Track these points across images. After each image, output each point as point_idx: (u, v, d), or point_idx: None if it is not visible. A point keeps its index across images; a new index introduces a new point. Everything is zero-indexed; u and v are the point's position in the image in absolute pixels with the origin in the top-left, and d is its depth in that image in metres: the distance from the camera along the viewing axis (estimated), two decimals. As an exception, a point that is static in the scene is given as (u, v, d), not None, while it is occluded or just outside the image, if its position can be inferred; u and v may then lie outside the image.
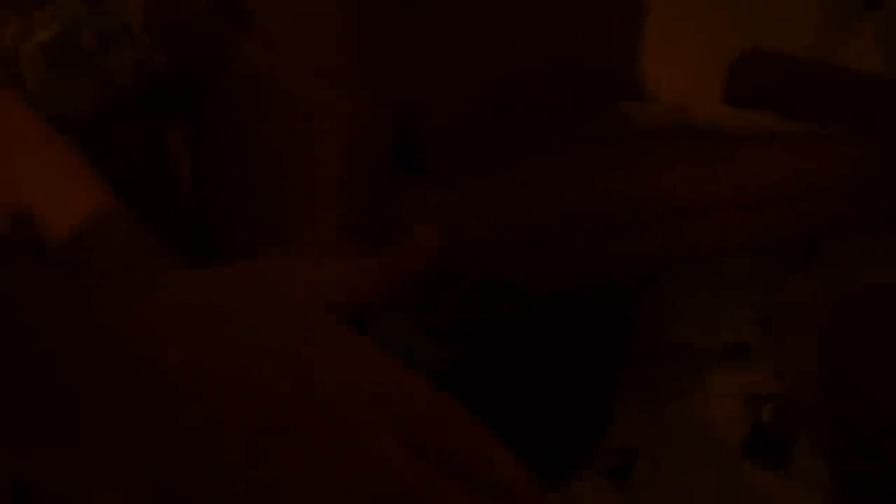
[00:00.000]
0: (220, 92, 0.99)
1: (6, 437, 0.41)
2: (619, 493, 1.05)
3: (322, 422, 0.42)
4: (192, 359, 0.42)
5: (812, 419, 1.02)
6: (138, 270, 0.58)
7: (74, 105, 0.88)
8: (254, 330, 0.44)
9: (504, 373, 1.22)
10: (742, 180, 1.80)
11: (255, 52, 1.02)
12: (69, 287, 0.44)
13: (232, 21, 0.96)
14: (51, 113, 0.78)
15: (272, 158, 0.96)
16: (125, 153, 0.94)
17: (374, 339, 0.48)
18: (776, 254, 2.17)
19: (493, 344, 1.28)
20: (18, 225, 0.65)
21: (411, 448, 0.42)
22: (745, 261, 1.91)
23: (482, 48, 1.84)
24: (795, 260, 2.37)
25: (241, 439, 0.40)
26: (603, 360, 1.26)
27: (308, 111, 1.03)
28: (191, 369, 0.41)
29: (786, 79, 2.63)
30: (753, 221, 1.90)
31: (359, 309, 0.53)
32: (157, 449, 0.40)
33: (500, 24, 1.93)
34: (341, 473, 0.40)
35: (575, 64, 2.04)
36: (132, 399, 0.41)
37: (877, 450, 0.87)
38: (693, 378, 1.17)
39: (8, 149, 0.71)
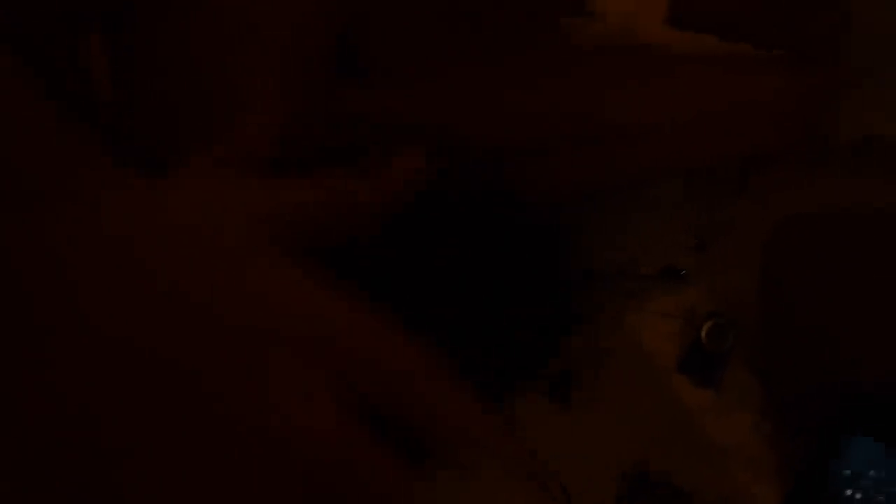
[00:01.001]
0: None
1: None
2: (561, 414, 1.06)
3: (241, 381, 0.38)
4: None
5: (747, 338, 1.05)
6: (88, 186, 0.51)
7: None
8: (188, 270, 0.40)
9: (443, 283, 1.20)
10: (682, 100, 1.80)
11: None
12: None
13: None
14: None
15: (206, 54, 0.88)
16: (38, 60, 0.85)
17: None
18: (710, 179, 2.20)
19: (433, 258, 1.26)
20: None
21: (345, 404, 0.39)
22: (679, 185, 1.93)
23: None
24: (729, 186, 2.42)
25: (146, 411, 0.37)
26: (544, 281, 1.26)
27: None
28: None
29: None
30: (691, 143, 1.91)
31: (317, 239, 0.47)
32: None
33: None
34: (258, 449, 0.36)
35: None
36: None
37: (808, 370, 0.90)
38: (630, 300, 1.19)
39: None
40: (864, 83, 2.86)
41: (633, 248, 1.34)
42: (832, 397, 0.88)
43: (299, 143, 0.80)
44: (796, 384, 0.94)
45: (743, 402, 1.05)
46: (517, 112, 1.44)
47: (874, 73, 2.80)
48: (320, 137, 1.05)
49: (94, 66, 0.85)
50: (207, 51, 0.89)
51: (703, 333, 1.04)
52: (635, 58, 2.02)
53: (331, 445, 0.37)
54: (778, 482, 0.99)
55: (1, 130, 0.44)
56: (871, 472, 0.84)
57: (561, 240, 1.39)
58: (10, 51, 0.58)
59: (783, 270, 1.02)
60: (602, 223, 1.48)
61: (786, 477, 0.98)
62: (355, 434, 0.39)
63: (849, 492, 0.83)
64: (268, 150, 0.54)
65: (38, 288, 0.38)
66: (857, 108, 2.90)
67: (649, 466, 1.03)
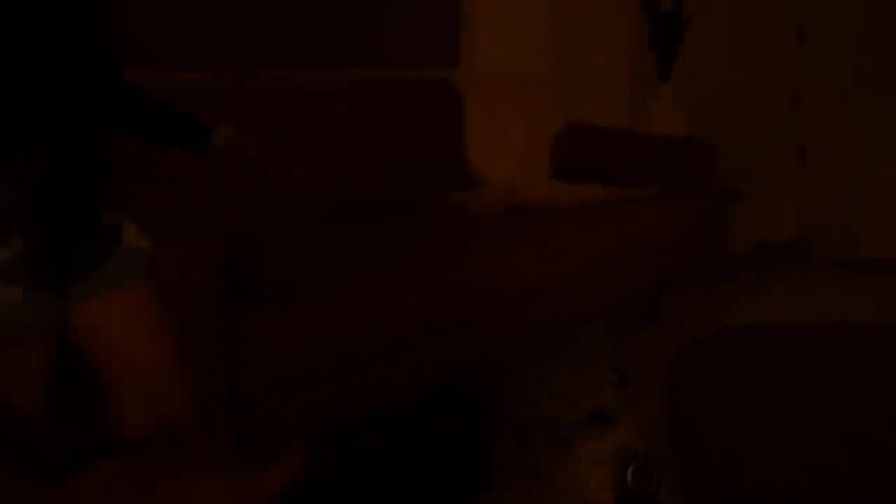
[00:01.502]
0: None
1: None
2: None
3: None
4: None
5: (668, 473, 1.05)
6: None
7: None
8: None
9: (380, 461, 1.22)
10: (577, 252, 1.89)
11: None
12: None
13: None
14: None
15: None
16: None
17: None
18: (625, 312, 2.25)
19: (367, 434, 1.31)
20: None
21: None
22: (600, 324, 1.97)
23: (307, 170, 1.87)
24: (644, 315, 2.47)
25: None
26: (470, 442, 1.28)
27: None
28: None
29: (603, 148, 2.82)
30: (595, 287, 1.99)
31: None
32: None
33: (324, 142, 1.97)
34: None
35: (404, 164, 2.11)
36: None
37: (724, 495, 0.90)
38: (563, 450, 1.19)
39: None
40: (741, 201, 3.05)
41: (562, 396, 1.35)
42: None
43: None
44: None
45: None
46: (417, 303, 1.50)
47: (746, 193, 2.99)
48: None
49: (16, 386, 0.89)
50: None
51: (629, 476, 1.04)
52: (525, 221, 2.13)
53: None
54: None
55: None
56: None
57: (483, 403, 1.41)
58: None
59: (685, 401, 1.04)
60: (533, 375, 1.50)
61: None
62: None
63: None
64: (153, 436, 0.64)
65: None
66: (742, 222, 3.08)
67: None
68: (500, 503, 1.17)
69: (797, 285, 2.74)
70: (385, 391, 1.52)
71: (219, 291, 1.25)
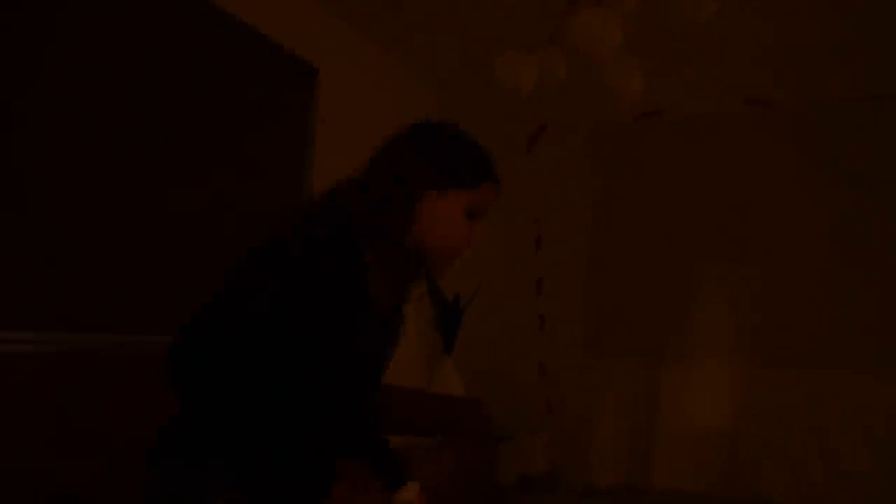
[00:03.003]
0: None
1: None
2: None
3: None
4: None
5: None
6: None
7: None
8: None
9: None
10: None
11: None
12: None
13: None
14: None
15: None
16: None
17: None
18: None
19: None
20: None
21: None
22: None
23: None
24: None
25: None
26: None
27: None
28: None
29: (396, 404, 3.56)
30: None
31: None
32: None
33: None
34: None
35: None
36: None
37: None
38: None
39: None
40: (508, 442, 3.99)
41: None
42: None
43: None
44: None
45: None
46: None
47: (516, 436, 3.98)
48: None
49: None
50: None
51: None
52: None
53: None
54: None
55: None
56: None
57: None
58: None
59: None
60: None
61: None
62: None
63: None
64: None
65: None
66: (509, 458, 4.03)
67: None
68: None
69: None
70: None
71: None
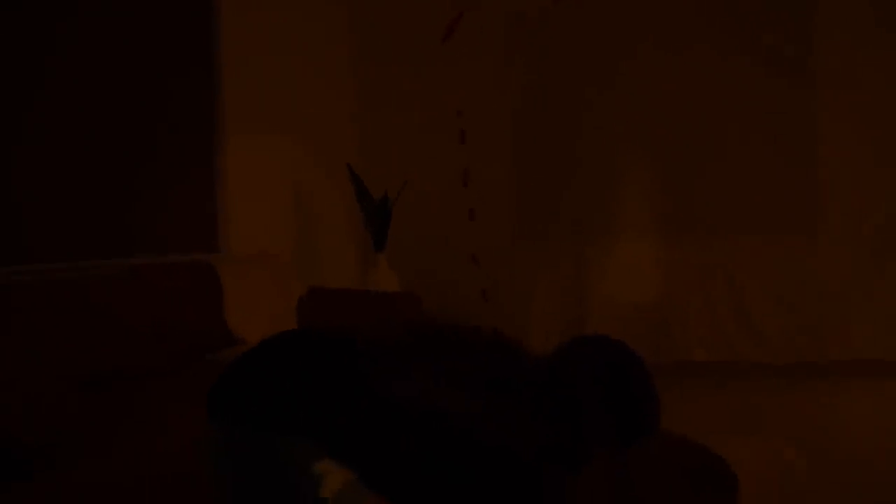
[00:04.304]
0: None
1: None
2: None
3: None
4: None
5: None
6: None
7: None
8: None
9: None
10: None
11: None
12: None
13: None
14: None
15: None
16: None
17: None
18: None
19: None
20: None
21: None
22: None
23: (70, 357, 2.19)
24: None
25: None
26: None
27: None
28: None
29: (338, 305, 3.57)
30: None
31: None
32: None
33: (103, 321, 2.30)
34: None
35: (176, 333, 2.51)
36: None
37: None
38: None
39: None
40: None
41: None
42: None
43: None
44: None
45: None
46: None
47: None
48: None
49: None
50: None
51: None
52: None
53: None
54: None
55: None
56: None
57: None
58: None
59: None
60: None
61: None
62: None
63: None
64: None
65: None
66: None
67: None
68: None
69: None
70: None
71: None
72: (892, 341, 3.71)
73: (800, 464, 2.51)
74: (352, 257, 4.15)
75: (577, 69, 4.01)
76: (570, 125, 4.03)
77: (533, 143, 4.11)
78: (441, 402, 1.14)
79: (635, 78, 3.93)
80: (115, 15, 2.84)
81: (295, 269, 3.49)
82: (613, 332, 1.35)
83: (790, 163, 3.79)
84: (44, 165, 2.58)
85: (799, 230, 3.80)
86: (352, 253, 4.14)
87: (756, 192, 3.81)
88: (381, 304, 3.29)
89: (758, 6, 3.79)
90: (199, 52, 3.25)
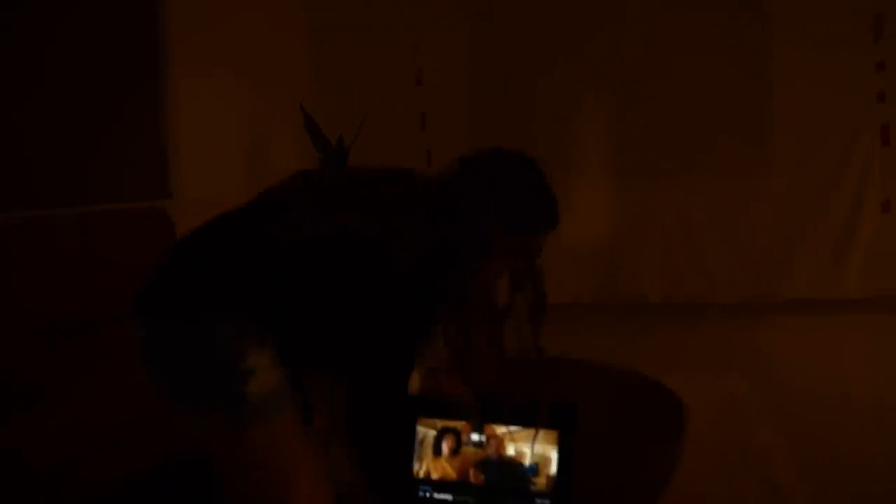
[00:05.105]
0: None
1: None
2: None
3: None
4: None
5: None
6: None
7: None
8: None
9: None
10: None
11: None
12: None
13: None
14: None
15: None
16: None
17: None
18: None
19: None
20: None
21: None
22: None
23: (27, 307, 2.16)
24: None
25: None
26: None
27: None
28: None
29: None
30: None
31: None
32: None
33: (56, 269, 2.27)
34: None
35: (128, 282, 2.48)
36: None
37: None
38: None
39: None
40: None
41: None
42: None
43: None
44: None
45: None
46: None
47: None
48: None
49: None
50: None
51: None
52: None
53: None
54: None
55: None
56: None
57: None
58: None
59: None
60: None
61: None
62: None
63: None
64: None
65: None
66: None
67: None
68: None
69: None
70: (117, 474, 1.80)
71: None
72: (832, 280, 3.87)
73: (745, 394, 2.64)
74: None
75: (534, 9, 3.98)
76: (529, 62, 4.01)
77: (491, 80, 4.08)
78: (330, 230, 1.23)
79: (590, 18, 3.91)
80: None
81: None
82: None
83: (744, 104, 3.84)
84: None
85: (751, 173, 3.88)
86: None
87: (710, 133, 3.87)
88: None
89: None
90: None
